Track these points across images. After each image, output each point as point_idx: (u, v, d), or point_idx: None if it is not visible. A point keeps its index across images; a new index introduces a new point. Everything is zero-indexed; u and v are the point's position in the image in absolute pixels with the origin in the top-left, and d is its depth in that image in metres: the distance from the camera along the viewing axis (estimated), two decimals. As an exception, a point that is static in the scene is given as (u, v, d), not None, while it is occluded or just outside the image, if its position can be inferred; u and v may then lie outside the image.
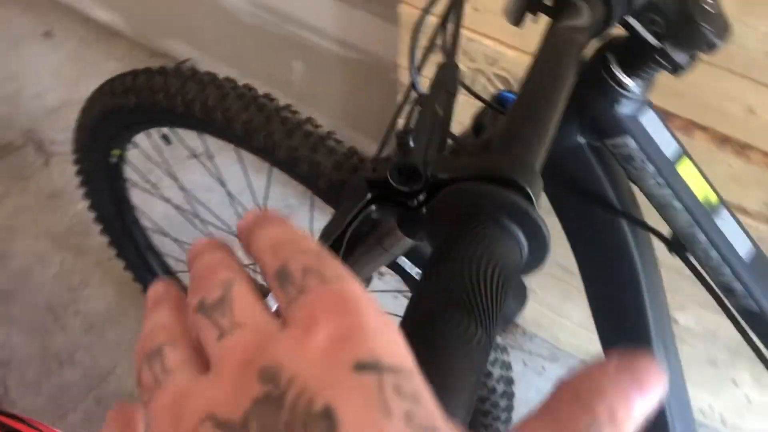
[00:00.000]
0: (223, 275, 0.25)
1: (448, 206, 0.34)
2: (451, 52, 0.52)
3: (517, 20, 0.50)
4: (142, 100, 0.93)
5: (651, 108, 0.56)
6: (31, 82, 2.00)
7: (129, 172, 1.17)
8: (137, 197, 1.25)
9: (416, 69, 0.54)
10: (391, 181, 0.37)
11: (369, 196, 0.39)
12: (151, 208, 1.37)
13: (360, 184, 0.39)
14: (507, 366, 0.99)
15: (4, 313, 1.53)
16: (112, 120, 1.01)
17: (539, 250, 0.34)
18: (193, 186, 1.43)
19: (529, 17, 0.50)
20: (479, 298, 0.29)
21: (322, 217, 1.42)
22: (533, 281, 1.38)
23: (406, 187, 0.37)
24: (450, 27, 0.52)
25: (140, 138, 1.07)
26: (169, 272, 1.42)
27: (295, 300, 0.23)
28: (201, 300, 0.25)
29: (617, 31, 0.50)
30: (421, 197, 0.37)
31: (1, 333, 1.51)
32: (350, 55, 1.54)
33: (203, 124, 0.91)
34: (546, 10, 0.48)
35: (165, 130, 1.04)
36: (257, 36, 1.69)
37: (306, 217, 1.41)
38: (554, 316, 1.45)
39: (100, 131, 1.05)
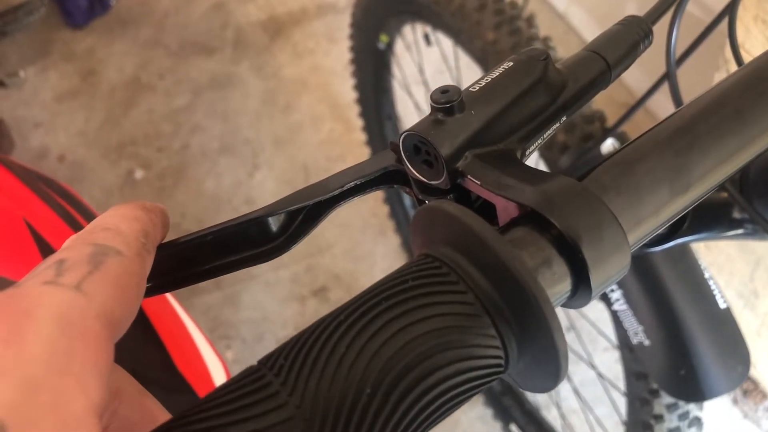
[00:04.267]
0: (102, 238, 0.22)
1: (422, 231, 0.21)
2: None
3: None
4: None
5: None
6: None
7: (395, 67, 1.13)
8: (399, 99, 1.21)
9: None
10: (403, 155, 0.24)
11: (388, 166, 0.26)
12: (406, 111, 1.32)
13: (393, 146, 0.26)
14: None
15: (270, 159, 1.64)
16: (382, 2, 0.97)
17: (541, 369, 0.20)
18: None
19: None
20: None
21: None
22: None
23: (421, 174, 0.24)
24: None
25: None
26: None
27: None
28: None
29: None
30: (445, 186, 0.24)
31: (261, 174, 1.62)
32: None
33: (452, 29, 0.81)
34: None
35: (428, 29, 0.96)
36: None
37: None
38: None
39: (372, 10, 1.02)
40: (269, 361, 0.19)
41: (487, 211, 0.25)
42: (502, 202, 0.23)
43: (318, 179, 0.28)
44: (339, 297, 1.42)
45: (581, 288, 0.21)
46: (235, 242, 0.26)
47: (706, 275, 0.68)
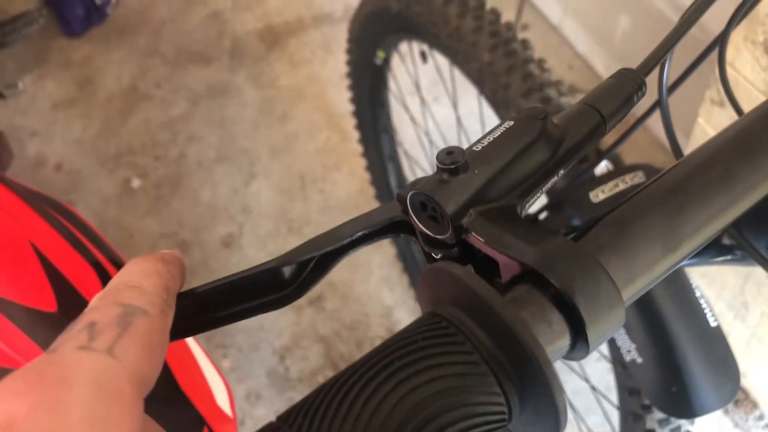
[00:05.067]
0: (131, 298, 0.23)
1: (430, 289, 0.23)
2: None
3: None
4: (403, 8, 0.88)
5: None
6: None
7: (391, 81, 1.14)
8: (395, 113, 1.23)
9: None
10: (410, 211, 0.26)
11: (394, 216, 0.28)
12: (402, 124, 1.33)
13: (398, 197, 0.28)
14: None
15: (267, 167, 1.65)
16: (379, 20, 0.99)
17: (541, 422, 0.21)
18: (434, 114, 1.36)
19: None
20: None
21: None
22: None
23: (428, 228, 0.26)
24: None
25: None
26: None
27: None
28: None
29: None
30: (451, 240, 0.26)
31: (257, 183, 1.63)
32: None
33: (449, 50, 0.83)
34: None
35: (424, 47, 0.98)
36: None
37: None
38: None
39: (369, 28, 1.03)
40: (289, 418, 0.21)
41: (489, 263, 0.26)
42: (505, 259, 0.24)
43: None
44: (335, 306, 1.43)
45: (579, 343, 0.23)
46: (249, 290, 0.28)
47: (698, 294, 0.70)
